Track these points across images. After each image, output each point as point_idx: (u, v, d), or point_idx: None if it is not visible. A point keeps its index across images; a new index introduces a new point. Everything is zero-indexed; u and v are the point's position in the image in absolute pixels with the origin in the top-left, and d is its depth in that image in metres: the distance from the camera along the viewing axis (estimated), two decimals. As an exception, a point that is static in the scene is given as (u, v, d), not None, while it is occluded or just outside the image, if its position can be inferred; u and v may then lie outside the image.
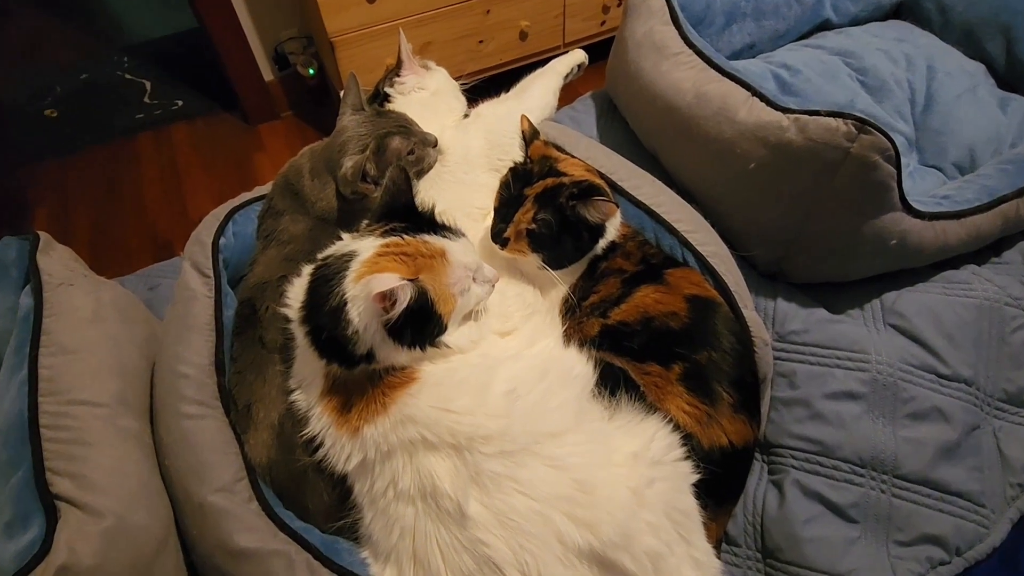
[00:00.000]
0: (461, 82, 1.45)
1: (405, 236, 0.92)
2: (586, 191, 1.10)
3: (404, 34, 1.39)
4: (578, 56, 1.55)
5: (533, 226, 1.08)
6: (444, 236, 0.94)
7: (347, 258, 0.91)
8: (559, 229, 1.07)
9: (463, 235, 0.97)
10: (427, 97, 1.38)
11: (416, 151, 1.25)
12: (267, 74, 3.04)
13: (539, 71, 1.50)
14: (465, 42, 2.71)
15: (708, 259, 1.13)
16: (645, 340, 1.00)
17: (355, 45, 2.51)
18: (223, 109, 3.19)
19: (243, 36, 2.86)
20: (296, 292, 0.94)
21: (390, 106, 1.37)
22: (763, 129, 1.13)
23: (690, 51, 1.31)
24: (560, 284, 1.13)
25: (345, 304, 0.86)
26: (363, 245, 0.92)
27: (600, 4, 2.92)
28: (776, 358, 1.17)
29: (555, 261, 1.10)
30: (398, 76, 1.39)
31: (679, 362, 0.98)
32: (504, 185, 1.15)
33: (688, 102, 1.27)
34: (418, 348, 0.90)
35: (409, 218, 0.95)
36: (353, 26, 2.49)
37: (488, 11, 2.71)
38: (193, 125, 3.14)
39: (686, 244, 1.15)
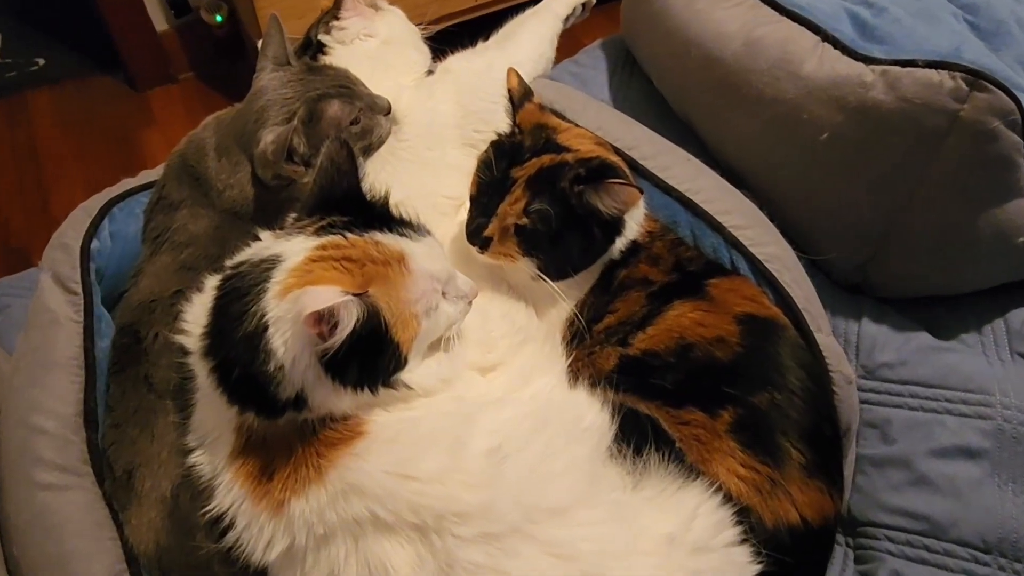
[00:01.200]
0: (422, 28, 1.47)
1: (348, 234, 0.91)
2: (597, 171, 1.09)
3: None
4: None
5: (525, 220, 1.08)
6: (402, 235, 0.93)
7: (268, 265, 0.89)
8: (561, 224, 1.07)
9: (428, 233, 0.97)
10: (376, 47, 1.39)
11: (362, 120, 1.26)
12: (160, 22, 3.06)
13: (529, 11, 1.52)
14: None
15: (766, 264, 1.15)
16: (682, 376, 1.01)
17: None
18: (100, 70, 3.19)
19: None
20: (197, 313, 0.93)
21: (327, 60, 1.38)
22: (839, 86, 1.15)
23: None
24: (562, 301, 1.13)
25: (265, 329, 0.85)
26: (290, 247, 0.90)
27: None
28: (863, 401, 1.17)
29: (555, 268, 1.10)
30: (337, 19, 1.39)
31: (729, 407, 0.98)
32: (484, 165, 1.14)
33: (735, 51, 1.28)
34: (367, 390, 0.89)
35: (353, 210, 0.94)
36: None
37: None
38: (58, 91, 3.13)
39: (735, 244, 1.17)
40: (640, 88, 1.55)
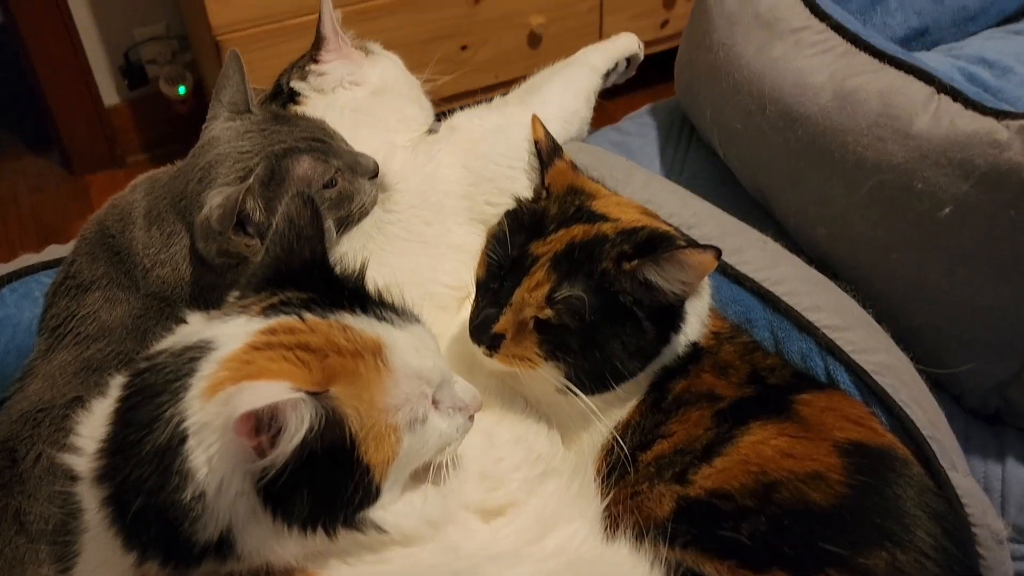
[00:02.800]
0: (424, 80, 1.47)
1: (307, 316, 0.87)
2: (648, 245, 1.06)
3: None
4: (626, 43, 1.58)
5: (548, 312, 1.05)
6: (381, 319, 0.90)
7: (193, 355, 0.84)
8: (598, 317, 1.05)
9: (417, 320, 0.94)
10: (364, 98, 1.39)
11: (339, 183, 1.23)
12: (109, 95, 3.13)
13: (560, 63, 1.52)
14: (440, 47, 2.79)
15: (875, 377, 1.12)
16: (764, 527, 0.96)
17: (255, 48, 2.56)
18: (32, 149, 3.24)
19: (73, 34, 2.95)
20: (94, 425, 0.88)
21: (300, 110, 1.37)
22: (963, 147, 1.14)
23: (823, 25, 1.34)
24: (598, 421, 1.08)
25: (182, 440, 0.79)
26: (225, 332, 0.87)
27: (661, -8, 3.03)
28: (1020, 573, 1.12)
29: (590, 378, 1.07)
30: (316, 62, 1.39)
31: (832, 570, 0.93)
32: (496, 240, 1.12)
33: (823, 106, 1.27)
34: (321, 531, 0.83)
35: (316, 286, 0.91)
36: (253, 18, 2.56)
37: (477, 0, 2.82)
38: None
39: (831, 350, 1.14)
40: (700, 160, 1.55)
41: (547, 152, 1.19)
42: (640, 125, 1.67)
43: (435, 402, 0.91)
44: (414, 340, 0.90)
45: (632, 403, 1.11)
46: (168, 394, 0.82)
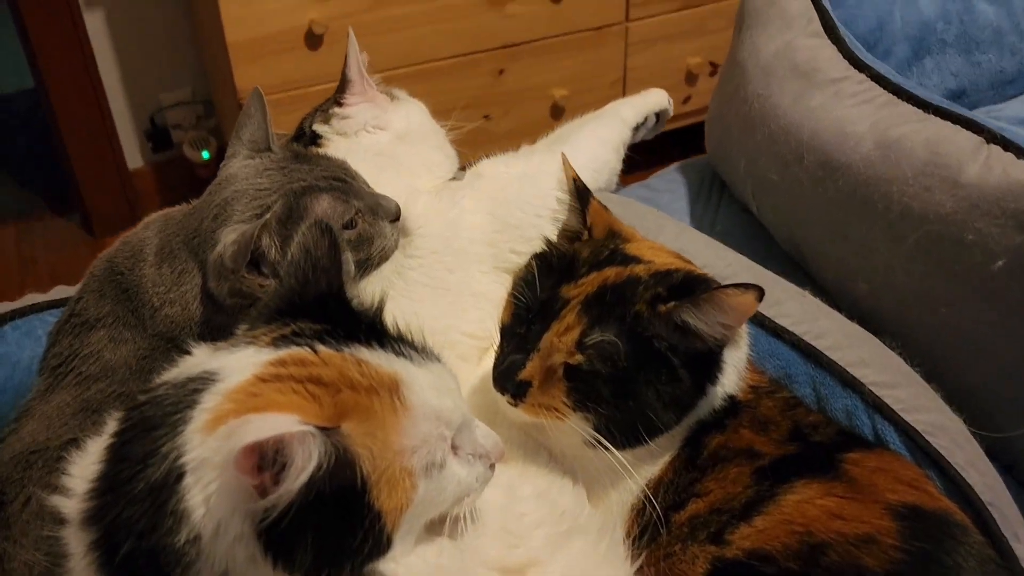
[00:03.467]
0: (448, 128, 1.44)
1: (320, 347, 0.83)
2: (686, 285, 1.03)
3: (355, 38, 1.36)
4: (656, 99, 1.55)
5: (579, 358, 1.01)
6: (399, 354, 0.86)
7: (196, 387, 0.81)
8: (631, 364, 1.00)
9: (437, 359, 0.90)
10: (388, 142, 1.36)
11: (359, 224, 1.18)
12: (134, 159, 3.14)
13: (590, 115, 1.50)
14: (463, 116, 2.79)
15: (928, 438, 1.08)
16: None
17: (280, 113, 2.53)
18: (52, 210, 3.25)
19: (101, 98, 2.98)
20: (86, 463, 0.85)
21: (323, 151, 1.33)
22: (1017, 196, 1.11)
23: (862, 76, 1.33)
24: (629, 478, 1.03)
25: (179, 478, 0.75)
26: (231, 362, 0.83)
27: (683, 69, 3.04)
28: None
29: (621, 430, 1.02)
30: (340, 105, 1.37)
31: None
32: (523, 283, 1.08)
33: (865, 155, 1.25)
34: None
35: (331, 318, 0.87)
36: (278, 84, 2.57)
37: (502, 71, 2.85)
38: None
39: (878, 408, 1.10)
40: (732, 216, 1.54)
41: (582, 192, 1.15)
42: (669, 182, 1.65)
43: (454, 447, 0.86)
44: (433, 378, 0.86)
45: (665, 459, 1.07)
46: (166, 427, 0.78)
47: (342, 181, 1.19)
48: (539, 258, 1.11)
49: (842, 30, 1.38)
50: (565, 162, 1.16)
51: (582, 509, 1.05)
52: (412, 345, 0.89)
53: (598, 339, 1.00)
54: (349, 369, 0.82)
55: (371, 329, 0.88)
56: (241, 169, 1.18)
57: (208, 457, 0.74)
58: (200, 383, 0.81)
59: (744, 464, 1.03)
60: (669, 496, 1.04)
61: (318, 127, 1.37)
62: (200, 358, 0.86)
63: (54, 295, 1.26)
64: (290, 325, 0.86)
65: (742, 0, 1.51)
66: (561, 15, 2.83)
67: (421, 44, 2.65)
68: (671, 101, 1.55)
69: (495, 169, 1.34)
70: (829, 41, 1.37)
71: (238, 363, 0.82)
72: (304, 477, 0.72)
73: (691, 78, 3.08)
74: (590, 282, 1.04)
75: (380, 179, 1.26)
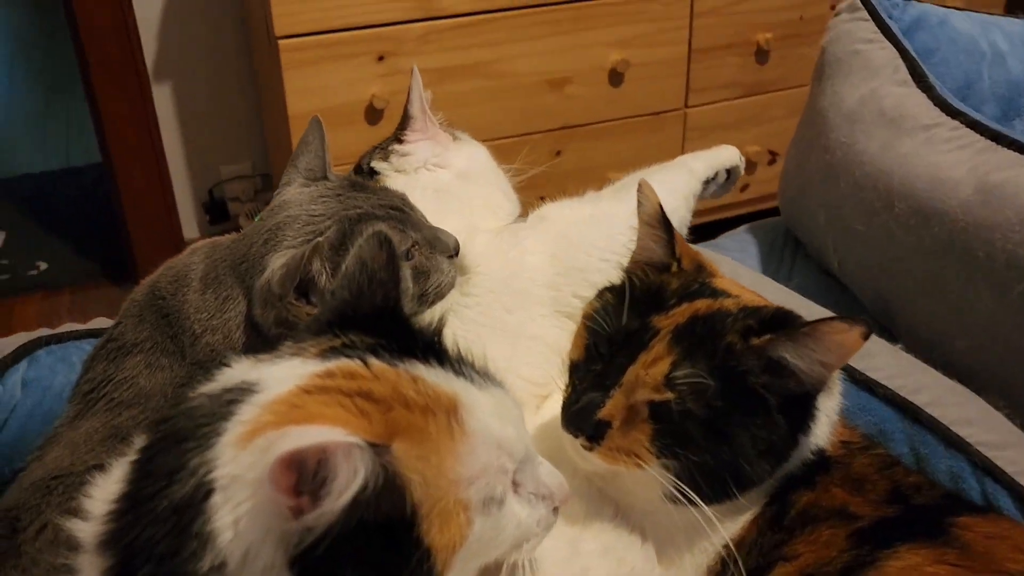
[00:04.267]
0: (510, 173, 1.40)
1: (372, 360, 0.77)
2: (777, 319, 0.95)
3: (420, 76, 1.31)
4: (727, 155, 1.50)
5: (669, 394, 0.91)
6: (459, 375, 0.80)
7: (233, 397, 0.75)
8: (726, 403, 0.92)
9: (500, 385, 0.84)
10: (449, 180, 1.32)
11: (416, 257, 1.13)
12: (190, 228, 3.15)
13: (657, 166, 1.44)
14: (519, 196, 2.78)
15: None
16: None
17: (341, 184, 2.56)
18: (108, 279, 3.26)
19: (164, 172, 3.02)
20: (108, 484, 0.79)
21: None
22: None
23: (956, 122, 1.28)
24: (714, 535, 0.93)
25: (207, 495, 0.69)
26: (274, 374, 0.78)
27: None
28: None
29: (708, 481, 0.92)
30: (401, 142, 1.32)
31: None
32: (599, 315, 0.99)
33: (963, 201, 1.19)
34: None
35: (387, 332, 0.82)
36: (339, 155, 2.53)
37: (559, 152, 2.84)
38: (53, 300, 3.18)
39: (988, 471, 1.03)
40: (807, 274, 1.50)
41: (665, 222, 1.07)
42: (739, 242, 1.60)
43: (515, 484, 0.79)
44: (496, 404, 0.79)
45: (748, 516, 0.98)
46: (196, 440, 0.71)
47: (400, 211, 1.14)
48: (615, 291, 1.03)
49: (932, 78, 1.34)
50: (647, 188, 1.08)
51: (652, 569, 0.97)
52: (473, 367, 0.82)
53: (688, 372, 0.91)
54: (403, 386, 0.75)
55: (429, 347, 0.81)
56: (295, 196, 1.13)
57: (241, 474, 0.68)
58: (237, 394, 0.75)
59: (838, 526, 0.93)
60: (752, 558, 0.94)
61: (376, 164, 1.33)
62: (239, 370, 0.80)
63: (93, 325, 1.24)
64: (340, 337, 0.80)
65: (822, 51, 1.48)
66: (620, 98, 2.83)
67: (481, 120, 2.64)
68: (743, 159, 1.50)
69: (560, 212, 1.29)
70: (918, 89, 1.33)
71: (281, 374, 0.77)
72: (348, 496, 0.64)
73: (749, 166, 3.03)
74: (681, 312, 0.96)
75: (439, 216, 1.21)
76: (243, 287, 1.08)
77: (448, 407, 0.74)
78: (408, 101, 1.32)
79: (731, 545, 0.93)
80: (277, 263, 1.04)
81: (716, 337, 0.93)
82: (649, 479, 0.93)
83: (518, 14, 2.59)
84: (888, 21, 1.43)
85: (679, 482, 0.92)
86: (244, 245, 1.10)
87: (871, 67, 1.38)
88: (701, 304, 0.96)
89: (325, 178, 1.17)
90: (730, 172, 1.48)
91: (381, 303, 0.83)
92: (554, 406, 1.06)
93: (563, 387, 1.01)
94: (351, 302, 0.83)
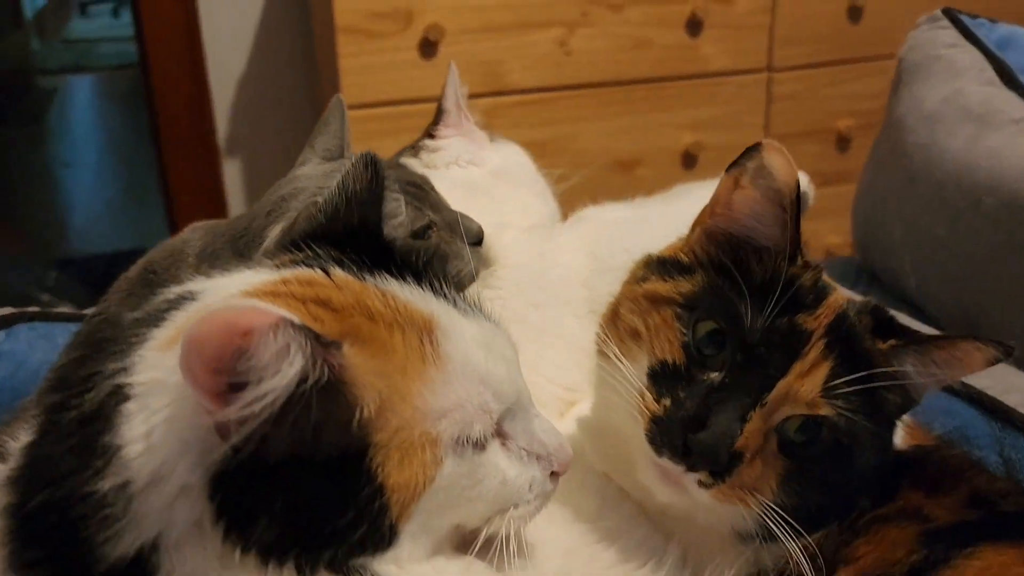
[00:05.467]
0: (556, 178, 1.32)
1: (335, 271, 0.69)
2: (881, 313, 0.85)
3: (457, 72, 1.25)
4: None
5: (824, 410, 0.77)
6: (440, 296, 0.72)
7: (170, 306, 0.68)
8: (866, 424, 0.79)
9: (496, 322, 0.74)
10: (481, 179, 1.24)
11: (433, 237, 1.04)
12: None
13: (712, 180, 1.33)
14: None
15: None
16: None
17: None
18: None
19: None
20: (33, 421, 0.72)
21: None
22: None
23: None
24: (795, 556, 0.78)
25: (121, 402, 0.60)
26: (220, 283, 0.71)
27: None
28: None
29: (812, 515, 0.80)
30: (432, 137, 1.25)
31: None
32: (712, 300, 0.82)
33: None
34: (294, 570, 0.61)
35: (362, 251, 0.73)
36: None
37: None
38: None
39: None
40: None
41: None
42: None
43: (503, 435, 0.70)
44: (484, 335, 0.70)
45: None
46: (119, 346, 0.64)
47: (419, 188, 1.06)
48: (721, 273, 0.83)
49: (1021, 76, 1.27)
50: (778, 153, 0.85)
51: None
52: (462, 295, 0.73)
53: (845, 397, 0.77)
54: (369, 298, 0.66)
55: (408, 267, 0.71)
56: (306, 172, 1.07)
57: (162, 378, 0.60)
58: (174, 303, 0.67)
59: (908, 526, 0.79)
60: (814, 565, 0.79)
61: (405, 159, 1.26)
62: (185, 285, 0.72)
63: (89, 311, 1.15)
64: (305, 251, 0.71)
65: (899, 61, 1.43)
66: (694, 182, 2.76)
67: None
68: (812, 186, 1.38)
69: (601, 213, 1.21)
70: (1007, 88, 1.25)
71: (227, 283, 0.69)
72: (278, 385, 0.55)
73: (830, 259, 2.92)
74: (828, 310, 0.81)
75: (465, 211, 1.12)
76: (242, 261, 1.00)
77: (422, 327, 0.66)
78: (443, 96, 1.26)
79: (803, 556, 0.77)
80: (276, 231, 0.96)
81: (857, 340, 0.80)
82: (738, 516, 0.79)
83: (587, 92, 2.54)
84: (973, 30, 1.37)
85: (772, 522, 0.78)
86: (246, 220, 1.03)
87: (954, 69, 1.33)
88: (834, 301, 0.82)
89: (342, 157, 1.10)
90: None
91: (358, 224, 0.74)
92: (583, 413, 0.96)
93: (634, 395, 0.82)
94: (325, 224, 0.74)
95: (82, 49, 5.31)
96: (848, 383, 0.76)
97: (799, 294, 0.80)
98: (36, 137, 4.66)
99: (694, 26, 2.54)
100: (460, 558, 0.68)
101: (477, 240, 1.07)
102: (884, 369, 0.78)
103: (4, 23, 4.89)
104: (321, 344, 0.56)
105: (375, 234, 0.75)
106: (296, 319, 0.55)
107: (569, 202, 1.35)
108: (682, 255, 0.87)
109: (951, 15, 1.40)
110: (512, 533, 0.69)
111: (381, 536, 0.61)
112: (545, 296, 1.10)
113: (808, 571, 0.76)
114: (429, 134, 1.26)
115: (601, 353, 0.87)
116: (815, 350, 0.77)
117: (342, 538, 0.60)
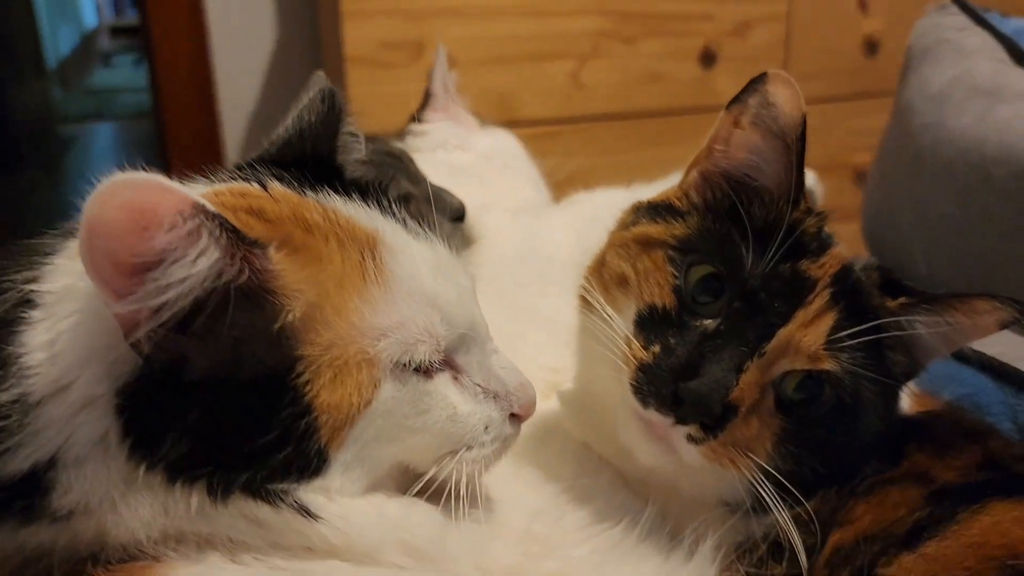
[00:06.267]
0: (547, 171, 1.32)
1: (273, 184, 0.64)
2: (888, 271, 0.79)
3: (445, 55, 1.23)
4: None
5: (827, 364, 0.72)
6: (390, 216, 0.67)
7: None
8: (870, 384, 0.74)
9: (452, 250, 0.70)
10: (468, 162, 1.22)
11: (412, 211, 0.97)
12: None
13: None
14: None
15: None
16: None
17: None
18: None
19: None
20: None
21: None
22: None
23: None
24: (787, 530, 0.73)
25: (26, 310, 0.57)
26: None
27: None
28: None
29: (808, 480, 0.74)
30: (419, 120, 1.23)
31: None
32: (707, 239, 0.77)
33: None
34: (205, 491, 0.56)
35: (316, 173, 0.68)
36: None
37: None
38: None
39: None
40: None
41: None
42: None
43: (455, 367, 0.65)
44: (436, 258, 0.65)
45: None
46: (32, 257, 0.60)
47: (398, 159, 1.03)
48: (684, 215, 0.79)
49: None
50: (785, 85, 0.80)
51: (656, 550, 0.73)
52: (416, 220, 0.68)
53: (854, 332, 0.72)
54: (308, 210, 0.62)
55: (357, 186, 0.67)
56: None
57: (71, 283, 0.56)
58: None
59: (912, 487, 0.73)
60: (810, 535, 0.73)
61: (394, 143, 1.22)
62: None
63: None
64: (244, 171, 0.65)
65: (908, 48, 1.39)
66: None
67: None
68: (820, 185, 1.35)
69: (593, 195, 1.19)
70: (1018, 67, 1.22)
71: None
72: (188, 271, 0.50)
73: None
74: (832, 260, 0.75)
75: (453, 190, 1.10)
76: None
77: (365, 243, 0.61)
78: (430, 81, 1.24)
79: (790, 527, 0.71)
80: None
81: (864, 294, 0.75)
82: (727, 482, 0.73)
83: (600, 125, 2.52)
84: (984, 15, 1.34)
85: (765, 489, 0.71)
86: None
87: (963, 51, 1.30)
88: (838, 252, 0.77)
89: None
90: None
91: (311, 154, 0.69)
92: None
93: (619, 343, 0.76)
94: (274, 153, 0.69)
95: (104, 98, 5.38)
96: (853, 336, 0.70)
97: (802, 240, 0.75)
98: (54, 183, 4.70)
99: (708, 59, 2.51)
100: (403, 498, 0.62)
101: (458, 215, 1.04)
102: (893, 321, 0.72)
103: (27, 72, 4.96)
104: (241, 240, 0.51)
105: (328, 163, 0.69)
106: (209, 206, 0.49)
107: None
108: (675, 200, 0.82)
109: (960, 2, 1.37)
110: (464, 478, 0.62)
111: (307, 461, 0.56)
112: (531, 274, 1.07)
113: (798, 544, 0.70)
114: (416, 117, 1.24)
115: (584, 303, 0.81)
116: (820, 299, 0.72)
117: (262, 460, 0.55)
